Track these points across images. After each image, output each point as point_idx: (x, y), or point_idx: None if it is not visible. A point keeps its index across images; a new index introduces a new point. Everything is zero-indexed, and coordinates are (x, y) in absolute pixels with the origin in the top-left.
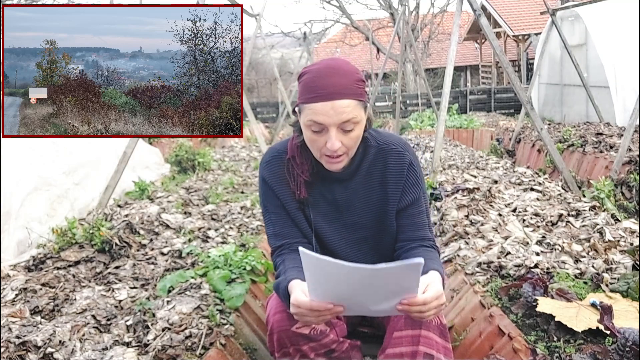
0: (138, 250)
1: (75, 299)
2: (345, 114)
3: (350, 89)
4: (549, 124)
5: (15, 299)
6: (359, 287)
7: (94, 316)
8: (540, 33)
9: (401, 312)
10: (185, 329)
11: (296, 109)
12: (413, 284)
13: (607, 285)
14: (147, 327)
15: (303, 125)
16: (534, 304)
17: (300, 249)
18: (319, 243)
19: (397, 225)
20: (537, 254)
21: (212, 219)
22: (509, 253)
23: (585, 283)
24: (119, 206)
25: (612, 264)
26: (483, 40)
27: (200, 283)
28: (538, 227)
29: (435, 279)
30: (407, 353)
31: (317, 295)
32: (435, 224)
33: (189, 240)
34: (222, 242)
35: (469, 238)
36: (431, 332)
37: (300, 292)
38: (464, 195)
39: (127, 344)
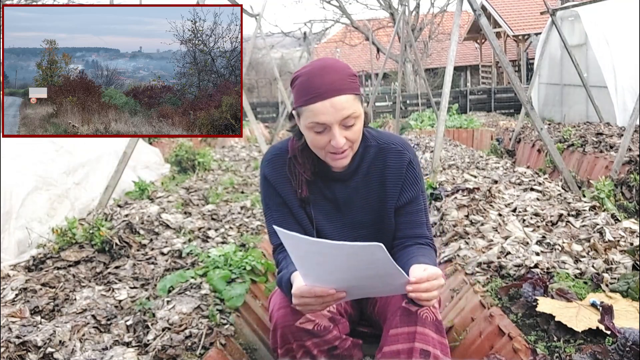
0: (138, 250)
1: (75, 299)
2: (345, 109)
3: (345, 84)
4: (549, 124)
5: (15, 299)
6: (338, 266)
7: (94, 316)
8: (540, 33)
9: (410, 292)
10: (185, 329)
11: (294, 112)
12: (389, 266)
13: (607, 285)
14: (147, 327)
15: (304, 128)
16: (534, 304)
17: (276, 228)
18: None
19: (395, 222)
20: (537, 254)
21: (212, 219)
22: (509, 253)
23: (585, 283)
24: (119, 206)
25: (612, 264)
26: (483, 40)
27: (200, 283)
28: (538, 227)
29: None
30: (404, 350)
31: (310, 279)
32: (435, 224)
33: (189, 240)
34: (222, 242)
35: (469, 238)
36: (427, 328)
37: (301, 281)
38: (464, 195)
39: (127, 344)
